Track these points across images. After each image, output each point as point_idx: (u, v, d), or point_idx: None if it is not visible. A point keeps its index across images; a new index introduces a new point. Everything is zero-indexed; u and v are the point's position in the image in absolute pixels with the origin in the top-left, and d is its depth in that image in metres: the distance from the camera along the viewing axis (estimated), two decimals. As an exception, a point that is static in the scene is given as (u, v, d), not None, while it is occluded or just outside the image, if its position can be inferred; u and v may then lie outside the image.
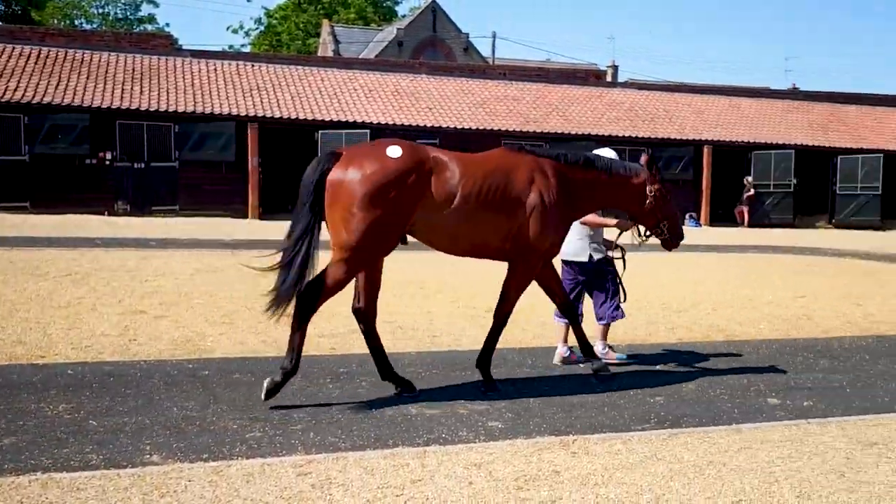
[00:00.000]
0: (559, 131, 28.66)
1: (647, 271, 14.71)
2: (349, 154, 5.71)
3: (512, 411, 5.77)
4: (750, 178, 30.68)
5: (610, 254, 7.49)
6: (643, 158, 6.80)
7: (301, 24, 62.38)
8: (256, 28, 67.81)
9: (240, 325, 8.41)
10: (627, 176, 6.66)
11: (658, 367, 7.31)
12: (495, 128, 28.13)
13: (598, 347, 7.37)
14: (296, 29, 62.48)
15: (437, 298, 10.72)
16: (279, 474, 4.40)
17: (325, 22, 51.95)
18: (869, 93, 37.94)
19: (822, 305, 11.23)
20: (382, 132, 26.38)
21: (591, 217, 7.09)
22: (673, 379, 6.88)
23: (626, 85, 35.66)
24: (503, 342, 6.89)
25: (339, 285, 5.65)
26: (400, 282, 12.06)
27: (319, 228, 5.64)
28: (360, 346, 6.68)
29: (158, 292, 10.20)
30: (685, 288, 12.58)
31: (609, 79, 38.39)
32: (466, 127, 27.89)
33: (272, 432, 5.10)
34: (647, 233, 7.02)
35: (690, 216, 30.16)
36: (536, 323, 9.08)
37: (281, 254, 5.67)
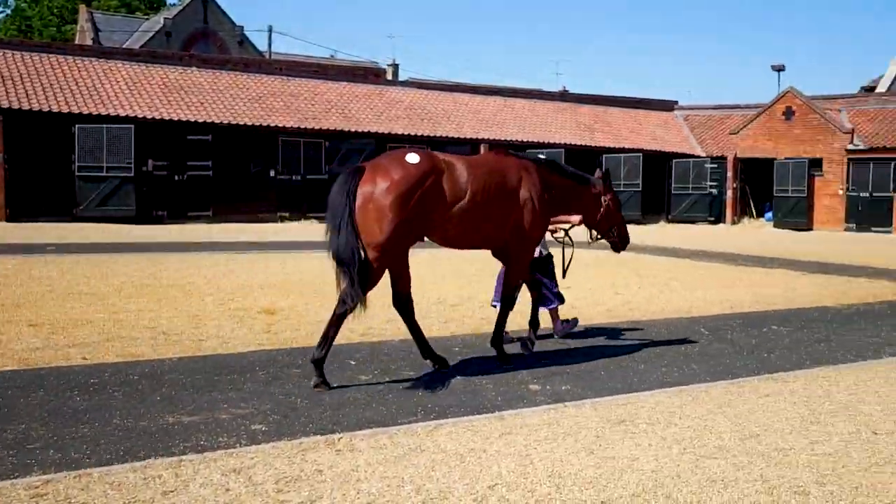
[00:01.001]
0: (339, 129, 28.66)
1: (427, 267, 14.98)
2: (373, 166, 6.46)
3: (278, 413, 5.61)
4: None
5: (560, 235, 8.35)
6: (598, 174, 7.92)
7: (55, 10, 57.89)
8: (2, 11, 62.34)
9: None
10: (589, 185, 7.71)
11: (428, 361, 7.39)
12: (272, 124, 27.65)
13: (558, 327, 8.69)
14: (49, 14, 57.90)
15: (206, 301, 10.29)
16: (9, 499, 3.98)
17: (83, 8, 48.12)
18: (629, 96, 40.97)
19: (584, 295, 11.88)
20: (148, 127, 25.17)
21: (560, 216, 7.87)
22: (441, 372, 6.98)
23: (406, 84, 36.17)
24: (281, 342, 6.71)
25: (377, 277, 6.44)
26: (165, 285, 11.51)
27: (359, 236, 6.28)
28: (114, 356, 6.25)
29: None
30: (462, 282, 12.90)
31: (390, 77, 38.78)
32: (241, 123, 27.20)
33: (3, 453, 4.63)
34: (598, 236, 8.09)
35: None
36: (311, 322, 8.96)
37: (337, 264, 6.25)
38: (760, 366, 7.56)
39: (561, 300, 8.61)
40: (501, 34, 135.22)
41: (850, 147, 31.62)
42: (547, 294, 8.35)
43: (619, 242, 8.12)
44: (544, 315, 8.59)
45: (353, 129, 28.95)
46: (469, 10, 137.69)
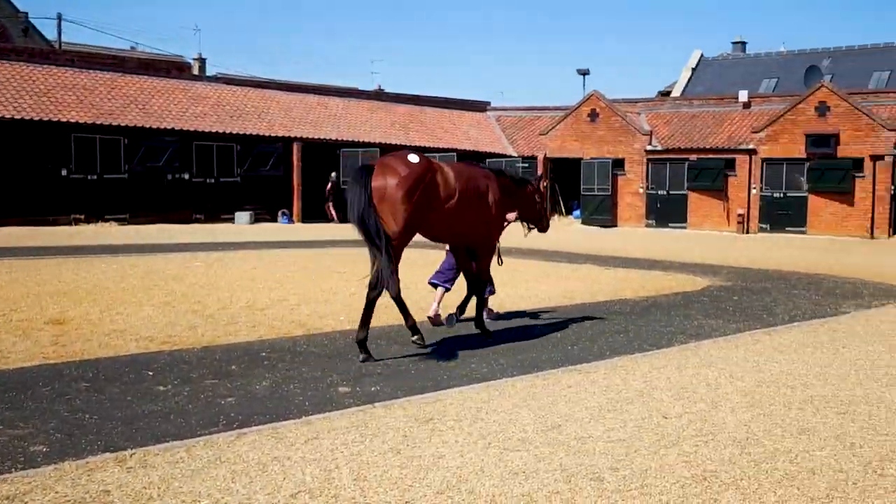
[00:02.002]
0: (139, 125, 27.15)
1: (234, 272, 14.51)
2: (381, 165, 7.46)
3: (62, 432, 5.18)
4: (334, 174, 31.95)
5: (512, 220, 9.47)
6: (536, 178, 10.08)
7: None
8: None
9: None
10: (527, 186, 9.44)
11: (233, 368, 7.12)
12: (63, 119, 25.68)
13: (485, 316, 9.32)
14: None
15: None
16: None
17: None
18: (444, 96, 41.63)
19: (405, 294, 11.84)
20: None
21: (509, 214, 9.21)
22: (247, 378, 6.74)
23: (213, 79, 34.89)
24: (70, 355, 6.21)
25: (396, 262, 7.42)
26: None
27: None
28: None
29: None
30: (272, 285, 12.57)
31: (196, 72, 37.19)
32: (30, 118, 25.04)
33: None
34: (531, 226, 9.82)
35: (283, 213, 30.55)
36: (105, 332, 8.40)
37: (373, 251, 7.25)
38: (564, 358, 7.83)
39: (493, 290, 9.77)
40: (316, 32, 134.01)
41: (649, 148, 33.64)
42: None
43: (545, 227, 10.00)
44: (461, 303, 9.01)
45: (154, 126, 27.53)
46: (282, 5, 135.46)
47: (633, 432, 5.41)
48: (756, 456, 4.97)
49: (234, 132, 29.53)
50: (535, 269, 15.79)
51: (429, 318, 8.99)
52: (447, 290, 9.34)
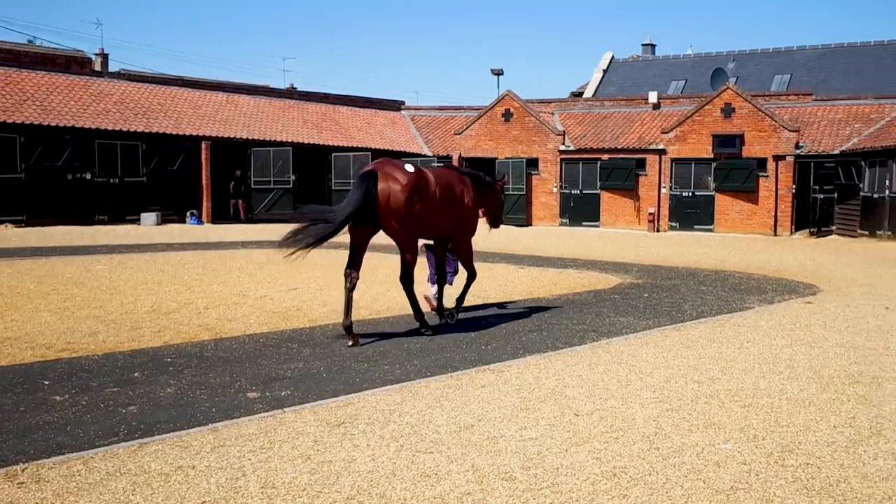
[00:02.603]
0: (37, 122, 26.03)
1: (139, 275, 14.07)
2: (384, 173, 8.36)
3: (-52, 447, 4.88)
4: (238, 172, 31.43)
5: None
6: (500, 180, 10.83)
7: None
8: None
9: None
10: (493, 185, 10.36)
11: (136, 374, 6.85)
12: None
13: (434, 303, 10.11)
14: None
15: None
16: None
17: None
18: (358, 95, 41.37)
19: (311, 297, 11.70)
20: None
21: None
22: (151, 386, 6.50)
23: (116, 75, 33.79)
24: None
25: (415, 260, 8.78)
26: None
27: (346, 226, 8.32)
28: None
29: None
30: (179, 289, 12.22)
31: (98, 68, 35.83)
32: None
33: None
34: (495, 222, 10.80)
35: (192, 214, 29.80)
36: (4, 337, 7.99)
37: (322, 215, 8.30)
38: (478, 357, 7.81)
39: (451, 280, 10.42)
40: (224, 29, 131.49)
41: (563, 148, 34.11)
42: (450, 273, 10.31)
43: (501, 221, 10.95)
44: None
45: (54, 124, 26.44)
46: (185, 5, 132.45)
47: (545, 431, 5.42)
48: (664, 451, 5.03)
49: (140, 130, 28.64)
50: (450, 268, 15.77)
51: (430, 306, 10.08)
52: (450, 283, 10.21)
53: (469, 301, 11.44)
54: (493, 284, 13.43)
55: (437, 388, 6.58)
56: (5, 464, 4.60)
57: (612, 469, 4.69)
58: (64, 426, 5.37)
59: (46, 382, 6.48)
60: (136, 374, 6.83)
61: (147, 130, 28.84)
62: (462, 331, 9.20)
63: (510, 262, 17.49)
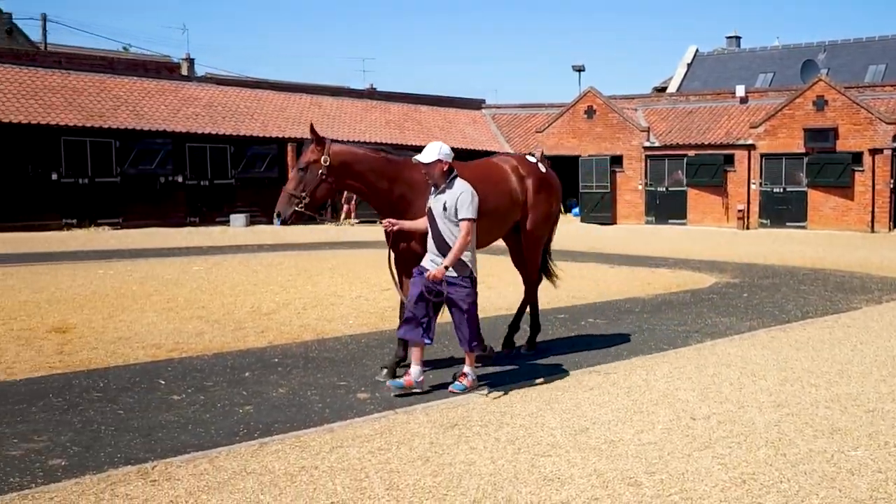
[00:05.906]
0: (130, 127, 26.80)
1: (235, 276, 14.36)
2: None
3: (79, 444, 5.04)
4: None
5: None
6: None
7: None
8: None
9: None
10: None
11: (247, 375, 6.98)
12: (52, 122, 25.30)
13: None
14: None
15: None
16: None
17: None
18: (438, 94, 41.48)
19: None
20: None
21: None
22: (263, 386, 6.60)
23: (203, 79, 34.61)
24: (77, 364, 6.05)
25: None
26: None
27: None
28: None
29: None
30: (275, 289, 12.42)
31: (185, 72, 36.79)
32: (17, 121, 24.63)
33: None
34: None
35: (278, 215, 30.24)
36: (110, 340, 8.25)
37: None
38: (581, 359, 7.70)
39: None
40: (303, 30, 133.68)
41: (647, 144, 33.55)
42: None
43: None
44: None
45: (146, 128, 27.22)
46: (268, 5, 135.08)
47: (663, 435, 5.29)
48: (791, 457, 4.86)
49: (228, 133, 29.29)
50: (540, 267, 15.63)
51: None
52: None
53: (564, 301, 11.29)
54: (586, 285, 13.25)
55: (545, 389, 6.51)
56: (136, 461, 4.72)
57: (741, 475, 4.54)
58: (185, 425, 5.49)
59: (162, 382, 6.64)
60: (246, 375, 6.95)
61: (235, 133, 29.47)
62: (562, 333, 9.09)
63: (599, 261, 17.25)
